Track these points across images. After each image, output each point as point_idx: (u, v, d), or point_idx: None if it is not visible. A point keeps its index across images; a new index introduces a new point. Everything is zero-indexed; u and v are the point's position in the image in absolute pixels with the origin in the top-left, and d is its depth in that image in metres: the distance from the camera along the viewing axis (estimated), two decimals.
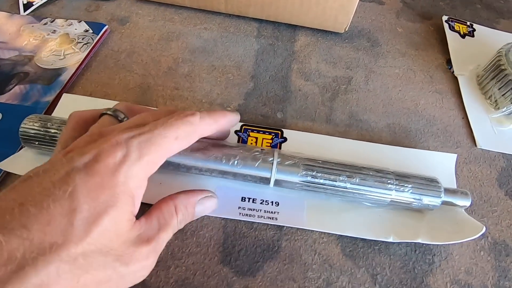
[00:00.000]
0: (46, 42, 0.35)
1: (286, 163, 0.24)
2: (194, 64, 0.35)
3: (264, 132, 0.29)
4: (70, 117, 0.21)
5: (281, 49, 0.38)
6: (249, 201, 0.26)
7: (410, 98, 0.35)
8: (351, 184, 0.24)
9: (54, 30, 0.36)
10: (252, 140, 0.29)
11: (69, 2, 0.40)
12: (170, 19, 0.39)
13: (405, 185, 0.24)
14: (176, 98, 0.32)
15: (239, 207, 0.25)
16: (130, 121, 0.19)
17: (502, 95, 0.33)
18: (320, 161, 0.24)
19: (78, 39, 0.35)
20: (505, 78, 0.32)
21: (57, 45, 0.35)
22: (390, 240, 0.24)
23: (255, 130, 0.29)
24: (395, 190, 0.24)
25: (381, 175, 0.24)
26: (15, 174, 0.25)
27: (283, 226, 0.25)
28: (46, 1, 0.39)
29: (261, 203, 0.26)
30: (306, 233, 0.25)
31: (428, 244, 0.25)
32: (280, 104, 0.33)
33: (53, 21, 0.37)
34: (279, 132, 0.29)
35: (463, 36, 0.40)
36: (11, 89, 0.31)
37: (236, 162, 0.23)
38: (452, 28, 0.41)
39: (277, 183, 0.24)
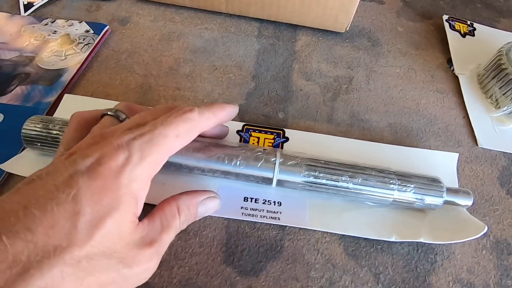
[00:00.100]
0: (47, 43, 0.35)
1: (289, 163, 0.24)
2: (195, 64, 0.35)
3: (266, 132, 0.29)
4: (72, 118, 0.21)
5: (282, 49, 0.38)
6: (251, 201, 0.26)
7: (411, 98, 0.35)
8: (353, 184, 0.24)
9: (55, 31, 0.36)
10: (254, 140, 0.29)
11: (69, 3, 0.40)
12: (171, 19, 0.39)
13: (408, 185, 0.24)
14: (178, 98, 0.32)
15: (242, 207, 0.25)
16: (130, 121, 0.19)
17: (503, 94, 0.33)
18: (323, 161, 0.24)
19: (79, 39, 0.35)
20: (506, 77, 0.32)
21: (58, 46, 0.35)
22: (392, 239, 0.24)
23: (257, 130, 0.29)
24: (398, 190, 0.24)
25: (383, 175, 0.24)
26: (18, 175, 0.25)
27: (286, 226, 0.25)
28: (47, 2, 0.39)
29: (263, 203, 0.26)
30: (308, 233, 0.25)
31: (430, 243, 0.25)
32: (281, 104, 0.33)
33: (54, 21, 0.37)
34: (281, 131, 0.29)
35: (463, 36, 0.41)
36: (12, 90, 0.30)
37: (238, 162, 0.23)
38: (452, 28, 0.41)
39: (280, 183, 0.24)
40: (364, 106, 0.33)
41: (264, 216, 0.25)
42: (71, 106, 0.30)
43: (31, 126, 0.25)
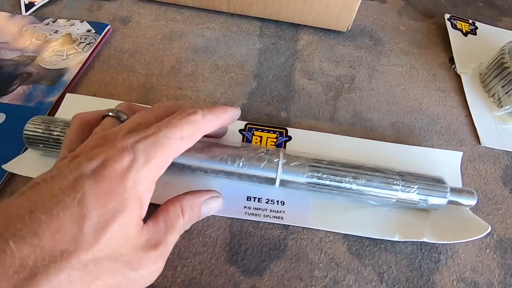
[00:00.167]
0: (49, 43, 0.35)
1: (292, 164, 0.24)
2: (197, 63, 0.35)
3: (268, 131, 0.29)
4: (73, 119, 0.21)
5: (283, 48, 0.38)
6: (254, 200, 0.26)
7: (413, 97, 0.35)
8: (357, 185, 0.23)
9: (56, 30, 0.36)
10: (256, 139, 0.29)
11: (70, 2, 0.39)
12: (172, 18, 0.39)
13: (411, 186, 0.24)
14: (180, 97, 0.32)
15: (245, 207, 0.25)
16: (131, 121, 0.19)
17: (506, 93, 0.33)
18: (326, 162, 0.24)
19: (80, 39, 0.35)
20: (508, 76, 0.32)
21: (60, 45, 0.35)
22: (396, 239, 0.24)
23: (260, 129, 0.29)
24: (401, 191, 0.24)
25: (387, 176, 0.24)
26: (20, 176, 0.25)
27: (289, 225, 0.25)
28: (48, 1, 0.39)
29: (266, 202, 0.26)
30: (312, 232, 0.25)
31: (433, 242, 0.25)
32: (284, 103, 0.33)
33: (55, 21, 0.37)
34: (284, 130, 0.29)
35: (465, 34, 0.41)
36: (14, 90, 0.30)
37: (241, 163, 0.23)
38: (454, 26, 0.41)
39: (283, 183, 0.24)
40: (366, 105, 0.33)
41: (267, 216, 0.25)
42: (73, 106, 0.30)
43: (32, 127, 0.24)
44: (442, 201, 0.24)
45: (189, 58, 0.35)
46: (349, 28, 0.38)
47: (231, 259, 0.23)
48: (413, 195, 0.24)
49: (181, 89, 0.33)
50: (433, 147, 0.30)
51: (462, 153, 0.29)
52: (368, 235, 0.25)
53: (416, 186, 0.24)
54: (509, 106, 0.33)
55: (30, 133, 0.24)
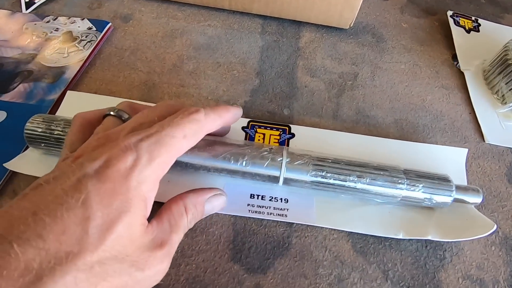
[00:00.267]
0: (49, 40, 0.34)
1: (296, 163, 0.23)
2: (199, 61, 0.35)
3: (271, 128, 0.29)
4: (74, 119, 0.21)
5: (286, 45, 0.37)
6: (258, 198, 0.25)
7: (416, 94, 0.34)
8: (361, 184, 0.23)
9: (57, 28, 0.36)
10: (259, 136, 0.28)
11: (71, 0, 0.39)
12: (174, 16, 0.39)
13: (416, 184, 0.23)
14: (182, 95, 0.32)
15: (248, 204, 0.25)
16: (133, 120, 0.19)
17: (510, 90, 0.33)
18: (330, 160, 0.24)
19: (81, 36, 0.35)
20: None
21: (61, 43, 0.34)
22: (400, 236, 0.24)
23: (263, 126, 0.29)
24: (406, 190, 0.23)
25: (391, 174, 0.24)
26: (22, 174, 0.25)
27: (293, 223, 0.25)
28: None
29: (270, 200, 0.25)
30: (316, 230, 0.25)
31: (438, 241, 0.25)
32: (286, 101, 0.32)
33: (56, 19, 0.37)
34: (287, 128, 0.29)
35: (468, 31, 0.40)
36: (15, 88, 0.30)
37: (244, 162, 0.23)
38: (457, 23, 0.41)
39: (286, 182, 0.24)
40: (369, 102, 0.33)
41: (271, 213, 0.25)
42: (74, 103, 0.29)
43: (33, 126, 0.24)
44: (447, 199, 0.24)
45: (191, 55, 0.35)
46: (351, 25, 0.38)
47: (235, 257, 0.23)
48: (418, 193, 0.23)
49: (183, 86, 0.33)
50: (437, 144, 0.30)
51: (467, 149, 0.28)
52: (373, 233, 0.24)
53: (421, 185, 0.23)
54: None
55: (31, 132, 0.24)
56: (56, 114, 0.29)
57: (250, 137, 0.28)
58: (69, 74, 0.32)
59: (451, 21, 0.41)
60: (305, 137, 0.29)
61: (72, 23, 0.36)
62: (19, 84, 0.31)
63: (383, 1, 0.44)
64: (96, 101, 0.30)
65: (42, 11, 0.38)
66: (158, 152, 0.17)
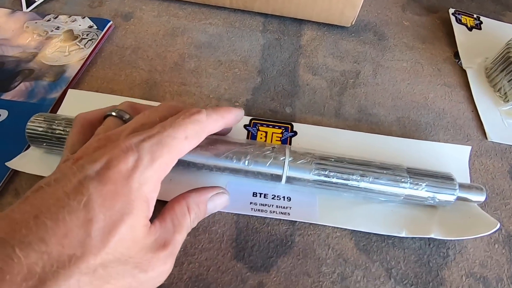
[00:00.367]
0: (50, 39, 0.34)
1: (298, 162, 0.23)
2: (200, 59, 0.35)
3: (273, 126, 0.29)
4: (75, 120, 0.21)
5: (287, 43, 0.37)
6: (260, 196, 0.25)
7: (418, 92, 0.34)
8: (364, 182, 0.23)
9: (58, 27, 0.36)
10: (261, 134, 0.28)
11: None
12: (175, 14, 0.39)
13: (420, 183, 0.23)
14: (183, 93, 0.32)
15: (251, 203, 0.25)
16: (135, 121, 0.19)
17: None
18: (333, 159, 0.24)
19: (82, 35, 0.35)
20: None
21: (61, 42, 0.34)
22: (403, 235, 0.24)
23: (265, 124, 0.29)
24: (409, 188, 0.23)
25: (394, 173, 0.23)
26: (23, 173, 0.25)
27: (296, 221, 0.25)
28: None
29: (272, 198, 0.25)
30: (319, 228, 0.25)
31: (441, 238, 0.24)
32: (288, 99, 0.32)
33: (57, 17, 0.36)
34: (289, 126, 0.29)
35: (470, 29, 0.40)
36: (16, 86, 0.30)
37: (247, 161, 0.23)
38: (459, 21, 0.41)
39: (289, 181, 0.24)
40: (371, 100, 0.33)
41: (273, 212, 0.25)
42: (76, 102, 0.29)
43: (34, 125, 0.24)
44: (450, 198, 0.24)
45: (192, 54, 0.35)
46: (353, 23, 0.38)
47: (238, 255, 0.23)
48: (421, 192, 0.23)
49: (184, 85, 0.33)
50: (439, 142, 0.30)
51: (470, 147, 0.28)
52: (375, 231, 0.24)
53: (425, 184, 0.23)
54: None
55: (33, 131, 0.24)
56: (58, 112, 0.28)
57: (252, 135, 0.28)
58: (70, 73, 0.31)
59: (453, 18, 0.41)
60: (308, 135, 0.29)
61: (73, 21, 0.36)
62: (20, 82, 0.30)
63: None
64: (97, 100, 0.30)
65: (43, 10, 0.38)
66: (160, 153, 0.16)
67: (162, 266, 0.16)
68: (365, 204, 0.25)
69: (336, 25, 0.39)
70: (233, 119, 0.22)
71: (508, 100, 0.33)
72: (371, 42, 0.38)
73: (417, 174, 0.24)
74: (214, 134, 0.25)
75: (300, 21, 0.39)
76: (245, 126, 0.29)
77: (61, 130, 0.24)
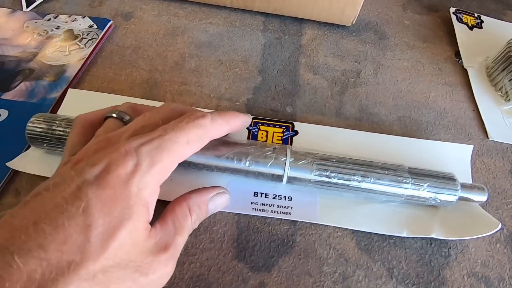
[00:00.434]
0: (51, 39, 0.34)
1: (299, 163, 0.23)
2: (201, 59, 0.35)
3: (274, 126, 0.29)
4: (76, 121, 0.21)
5: (288, 43, 0.37)
6: (261, 196, 0.25)
7: (419, 91, 0.34)
8: (365, 183, 0.23)
9: (58, 26, 0.35)
10: (262, 133, 0.28)
11: None
12: (175, 14, 0.39)
13: (421, 184, 0.23)
14: (184, 93, 0.32)
15: (252, 202, 0.25)
16: (135, 123, 0.19)
17: None
18: (334, 160, 0.24)
19: (82, 34, 0.35)
20: None
21: (62, 41, 0.34)
22: (404, 235, 0.24)
23: (266, 123, 0.29)
24: (411, 189, 0.23)
25: (396, 173, 0.23)
26: (23, 173, 0.25)
27: (297, 221, 0.25)
28: None
29: (273, 198, 0.25)
30: (320, 228, 0.25)
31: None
32: (289, 98, 0.32)
33: (57, 16, 0.36)
34: (290, 125, 0.29)
35: (471, 28, 0.40)
36: (16, 86, 0.30)
37: (248, 162, 0.23)
38: (459, 20, 0.41)
39: (290, 181, 0.24)
40: (372, 99, 0.33)
41: (275, 211, 0.25)
42: (76, 101, 0.29)
43: (34, 126, 0.24)
44: (452, 198, 0.23)
45: (193, 53, 0.35)
46: (353, 23, 0.38)
47: (239, 255, 0.23)
48: (423, 192, 0.23)
49: (185, 84, 0.32)
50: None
51: (473, 146, 0.28)
52: (376, 231, 0.24)
53: (426, 184, 0.23)
54: None
55: (32, 132, 0.24)
56: (58, 112, 0.28)
57: (253, 135, 0.28)
58: (71, 73, 0.31)
59: (453, 18, 0.41)
60: (309, 134, 0.29)
61: (73, 21, 0.36)
62: (21, 82, 0.30)
63: None
64: (98, 99, 0.30)
65: (43, 9, 0.38)
66: (160, 157, 0.16)
67: (163, 269, 0.16)
68: (366, 204, 0.25)
69: (337, 25, 0.39)
70: (239, 125, 0.21)
71: (509, 99, 0.33)
72: (372, 41, 0.38)
73: (418, 175, 0.24)
74: None
75: (301, 20, 0.39)
76: None
77: (61, 130, 0.24)
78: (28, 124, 0.24)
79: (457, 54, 0.38)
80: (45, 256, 0.13)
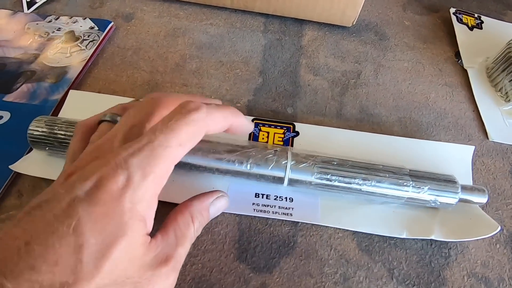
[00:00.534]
0: (52, 40, 0.34)
1: (300, 166, 0.23)
2: (201, 60, 0.35)
3: (275, 127, 0.29)
4: (76, 127, 0.21)
5: (288, 44, 0.37)
6: (263, 197, 0.25)
7: (420, 92, 0.34)
8: (366, 186, 0.23)
9: (59, 28, 0.36)
10: (263, 134, 0.28)
11: None
12: (176, 15, 0.39)
13: (422, 186, 0.23)
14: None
15: (253, 203, 0.25)
16: (123, 124, 0.18)
17: None
18: (335, 163, 0.24)
19: (83, 36, 0.35)
20: None
21: (63, 43, 0.34)
22: (404, 236, 0.24)
23: (267, 124, 0.29)
24: (412, 192, 0.23)
25: (397, 176, 0.24)
26: (26, 174, 0.25)
27: (298, 222, 0.25)
28: None
29: (275, 199, 0.25)
30: (321, 229, 0.25)
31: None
32: (290, 100, 0.32)
33: (58, 18, 0.36)
34: (291, 126, 0.29)
35: (471, 29, 0.40)
36: (18, 88, 0.30)
37: (249, 165, 0.23)
38: (460, 21, 0.41)
39: (291, 184, 0.24)
40: (373, 100, 0.33)
41: (276, 212, 0.25)
42: (77, 103, 0.29)
43: (36, 130, 0.24)
44: (452, 200, 0.24)
45: (193, 54, 0.35)
46: (354, 23, 0.38)
47: (241, 256, 0.23)
48: (423, 195, 0.23)
49: (186, 86, 0.33)
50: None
51: (474, 147, 0.28)
52: (376, 232, 0.24)
53: (427, 187, 0.23)
54: None
55: (34, 135, 0.24)
56: (59, 114, 0.29)
57: (254, 136, 0.28)
58: (72, 74, 0.32)
59: (454, 18, 0.41)
60: (310, 135, 0.29)
61: (74, 22, 0.36)
62: (22, 84, 0.31)
63: None
64: (99, 101, 0.30)
65: (44, 11, 0.38)
66: (152, 167, 0.15)
67: (164, 282, 0.16)
68: (367, 205, 0.25)
69: (337, 25, 0.39)
70: (238, 126, 0.20)
71: (509, 99, 0.33)
72: (372, 42, 0.38)
73: (419, 177, 0.24)
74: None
75: (301, 21, 0.39)
76: None
77: (62, 133, 0.24)
78: (30, 128, 0.24)
79: (457, 54, 0.38)
80: (37, 278, 0.13)
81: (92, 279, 0.13)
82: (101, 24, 0.36)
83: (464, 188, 0.24)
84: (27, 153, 0.26)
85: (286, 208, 0.25)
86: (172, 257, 0.16)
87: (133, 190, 0.15)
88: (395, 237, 0.25)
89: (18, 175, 0.25)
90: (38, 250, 0.13)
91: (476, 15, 0.42)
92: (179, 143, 0.16)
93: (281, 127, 0.29)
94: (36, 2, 0.38)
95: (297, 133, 0.29)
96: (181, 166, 0.23)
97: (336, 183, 0.23)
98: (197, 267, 0.23)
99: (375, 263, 0.24)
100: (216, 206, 0.21)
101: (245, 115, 0.30)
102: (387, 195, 0.24)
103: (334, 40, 0.38)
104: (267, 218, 0.25)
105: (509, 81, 0.33)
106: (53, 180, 0.16)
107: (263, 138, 0.28)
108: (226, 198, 0.22)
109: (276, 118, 0.31)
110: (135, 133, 0.17)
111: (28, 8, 0.37)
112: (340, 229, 0.25)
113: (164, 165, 0.15)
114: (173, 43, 0.36)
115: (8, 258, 0.13)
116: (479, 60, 0.37)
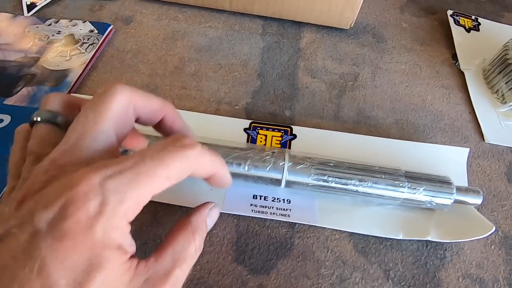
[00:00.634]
0: (52, 43, 0.35)
1: (297, 167, 0.24)
2: (200, 63, 0.35)
3: (273, 130, 0.29)
4: (16, 133, 0.17)
5: (286, 46, 0.38)
6: (260, 198, 0.26)
7: (417, 94, 0.35)
8: (362, 187, 0.24)
9: (59, 31, 0.36)
10: (261, 137, 0.29)
11: (72, 2, 0.39)
12: (175, 18, 0.39)
13: (417, 188, 0.24)
14: (184, 97, 0.32)
15: (251, 204, 0.25)
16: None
17: (509, 89, 0.33)
18: (332, 164, 0.24)
19: (83, 39, 0.35)
20: None
21: (63, 46, 0.34)
22: (400, 237, 0.24)
23: (264, 127, 0.29)
24: (407, 192, 0.24)
25: (393, 177, 0.24)
26: None
27: (295, 223, 0.25)
28: (50, 2, 0.39)
29: (272, 200, 0.26)
30: (318, 230, 0.25)
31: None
32: (288, 102, 0.33)
33: (58, 21, 0.37)
34: (289, 129, 0.29)
35: (468, 31, 0.40)
36: (18, 91, 0.30)
37: (247, 167, 0.23)
38: (457, 23, 0.41)
39: (288, 185, 0.24)
40: (370, 103, 0.33)
41: (273, 213, 0.25)
42: None
43: None
44: (447, 201, 0.24)
45: (192, 57, 0.35)
46: (351, 26, 0.38)
47: (238, 258, 0.24)
48: (419, 196, 0.24)
49: (184, 88, 0.33)
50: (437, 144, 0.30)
51: (469, 149, 0.29)
52: (373, 234, 0.25)
53: (422, 188, 0.24)
54: None
55: None
56: None
57: (252, 139, 0.29)
58: (72, 77, 0.32)
59: (451, 20, 0.41)
60: (307, 138, 0.29)
61: (73, 25, 0.36)
62: (23, 87, 0.31)
63: (383, 0, 0.44)
64: None
65: (44, 14, 0.38)
66: (131, 193, 0.13)
67: None
68: (363, 207, 0.26)
69: (335, 28, 0.39)
70: (221, 176, 0.18)
71: (506, 101, 0.33)
72: (370, 44, 0.39)
73: (415, 178, 0.24)
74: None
75: (299, 24, 0.40)
76: (245, 129, 0.29)
77: None
78: None
79: (454, 56, 0.38)
80: None
81: None
82: (101, 27, 0.36)
83: (459, 189, 0.24)
84: None
85: (284, 209, 0.25)
86: (166, 281, 0.15)
87: (107, 218, 0.12)
88: (391, 239, 0.25)
89: None
90: None
91: (473, 17, 0.42)
92: (167, 175, 0.14)
93: (279, 130, 0.29)
94: (36, 6, 0.38)
95: (295, 136, 0.29)
96: None
97: (333, 184, 0.24)
98: (195, 269, 0.23)
99: (371, 265, 0.24)
100: (212, 217, 0.20)
101: (243, 118, 0.31)
102: (383, 196, 0.24)
103: (332, 43, 0.38)
104: (265, 219, 0.25)
105: (506, 83, 0.33)
106: None
107: (261, 141, 0.29)
108: (218, 208, 0.21)
109: (274, 120, 0.31)
110: (117, 163, 0.14)
111: (28, 12, 0.38)
112: (337, 230, 0.25)
113: (146, 194, 0.14)
114: (172, 46, 0.36)
115: None
116: (476, 62, 0.37)
